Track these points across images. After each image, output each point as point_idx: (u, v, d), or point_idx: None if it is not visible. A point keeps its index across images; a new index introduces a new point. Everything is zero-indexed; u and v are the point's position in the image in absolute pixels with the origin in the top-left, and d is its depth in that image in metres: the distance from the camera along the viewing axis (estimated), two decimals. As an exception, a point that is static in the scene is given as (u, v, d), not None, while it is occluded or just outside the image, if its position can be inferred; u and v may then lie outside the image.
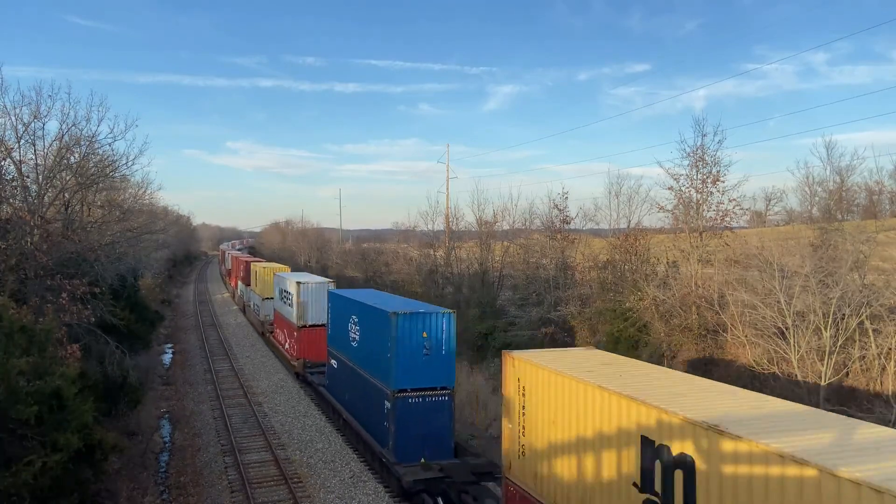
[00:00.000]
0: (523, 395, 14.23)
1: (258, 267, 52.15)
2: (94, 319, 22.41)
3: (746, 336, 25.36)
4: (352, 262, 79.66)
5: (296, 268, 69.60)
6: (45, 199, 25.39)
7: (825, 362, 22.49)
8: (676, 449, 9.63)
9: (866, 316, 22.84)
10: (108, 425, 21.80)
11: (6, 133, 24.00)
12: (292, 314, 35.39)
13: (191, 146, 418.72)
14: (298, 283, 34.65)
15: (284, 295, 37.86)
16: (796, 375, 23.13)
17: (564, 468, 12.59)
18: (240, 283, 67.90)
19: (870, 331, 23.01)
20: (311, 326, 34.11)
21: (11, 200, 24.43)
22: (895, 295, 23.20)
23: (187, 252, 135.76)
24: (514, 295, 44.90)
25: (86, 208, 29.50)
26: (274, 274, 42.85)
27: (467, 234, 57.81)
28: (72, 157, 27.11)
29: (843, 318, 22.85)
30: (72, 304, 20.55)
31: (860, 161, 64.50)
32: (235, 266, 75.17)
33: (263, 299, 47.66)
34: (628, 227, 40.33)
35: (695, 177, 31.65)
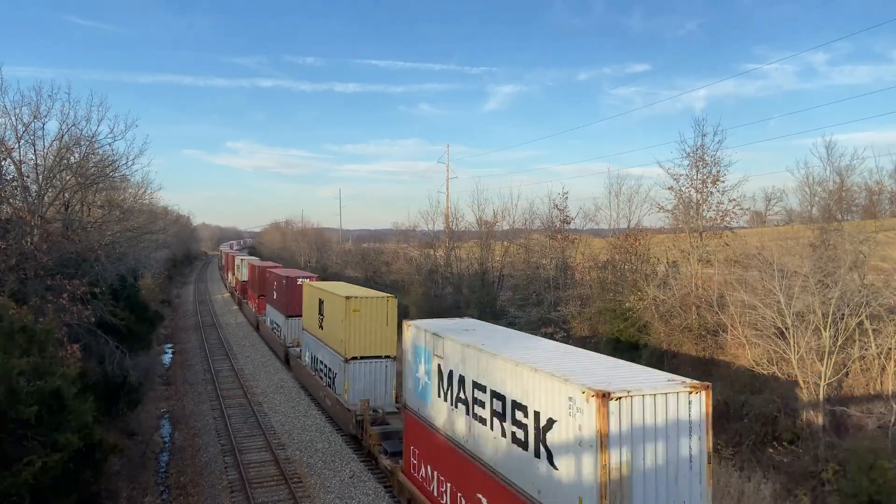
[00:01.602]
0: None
1: (333, 296, 27.01)
2: (94, 319, 22.42)
3: (746, 336, 25.37)
4: (352, 262, 79.70)
5: (293, 267, 69.08)
6: (45, 199, 25.40)
7: (825, 362, 22.50)
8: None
9: (866, 316, 22.86)
10: (108, 425, 21.81)
11: (6, 133, 24.06)
12: None
13: (191, 146, 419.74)
14: (615, 398, 10.29)
15: (483, 410, 13.93)
16: (796, 375, 23.14)
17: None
18: (272, 310, 43.03)
19: (869, 331, 23.02)
20: None
21: (11, 200, 24.44)
22: (895, 295, 23.20)
23: (187, 252, 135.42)
24: (515, 295, 44.92)
25: (86, 208, 29.52)
26: (427, 334, 17.04)
27: (467, 234, 57.85)
28: (72, 157, 27.15)
29: (842, 318, 22.86)
30: (72, 304, 20.56)
31: (860, 161, 64.64)
32: (260, 281, 49.59)
33: (347, 361, 24.83)
34: (628, 227, 40.38)
35: (695, 177, 31.70)
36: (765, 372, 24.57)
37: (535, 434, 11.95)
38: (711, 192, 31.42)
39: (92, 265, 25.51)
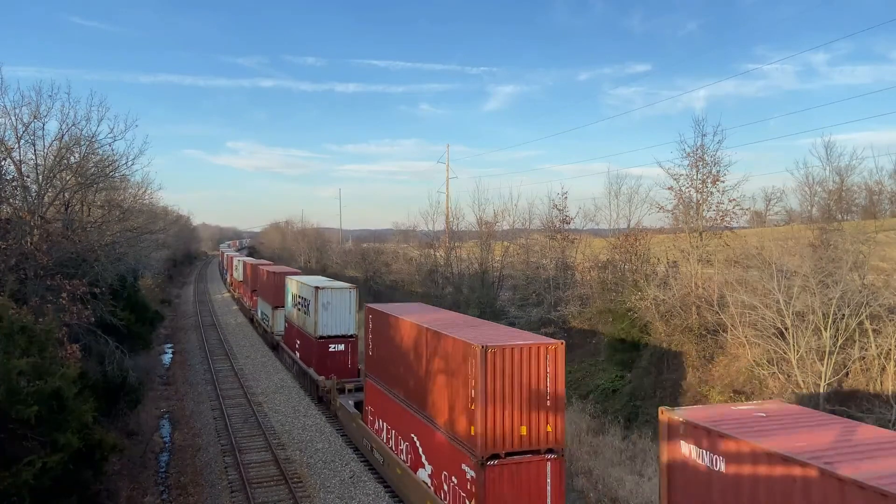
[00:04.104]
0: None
1: None
2: (94, 319, 22.40)
3: (746, 336, 25.35)
4: (352, 262, 79.66)
5: (294, 268, 68.42)
6: (45, 199, 25.39)
7: (825, 362, 22.49)
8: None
9: (866, 316, 22.84)
10: (108, 425, 21.82)
11: (6, 133, 24.04)
12: None
13: (191, 146, 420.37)
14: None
15: None
16: (796, 375, 23.14)
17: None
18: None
19: (869, 331, 23.01)
20: None
21: (11, 200, 24.42)
22: (895, 295, 23.20)
23: (187, 252, 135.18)
24: (515, 295, 44.92)
25: (86, 208, 29.50)
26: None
27: (467, 234, 57.84)
28: (72, 157, 27.14)
29: (842, 319, 22.85)
30: (72, 304, 20.53)
31: (859, 161, 64.65)
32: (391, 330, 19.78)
33: None
34: (628, 227, 40.39)
35: (695, 177, 31.68)
36: (765, 372, 24.57)
37: None
38: (711, 192, 31.40)
39: (92, 265, 25.49)
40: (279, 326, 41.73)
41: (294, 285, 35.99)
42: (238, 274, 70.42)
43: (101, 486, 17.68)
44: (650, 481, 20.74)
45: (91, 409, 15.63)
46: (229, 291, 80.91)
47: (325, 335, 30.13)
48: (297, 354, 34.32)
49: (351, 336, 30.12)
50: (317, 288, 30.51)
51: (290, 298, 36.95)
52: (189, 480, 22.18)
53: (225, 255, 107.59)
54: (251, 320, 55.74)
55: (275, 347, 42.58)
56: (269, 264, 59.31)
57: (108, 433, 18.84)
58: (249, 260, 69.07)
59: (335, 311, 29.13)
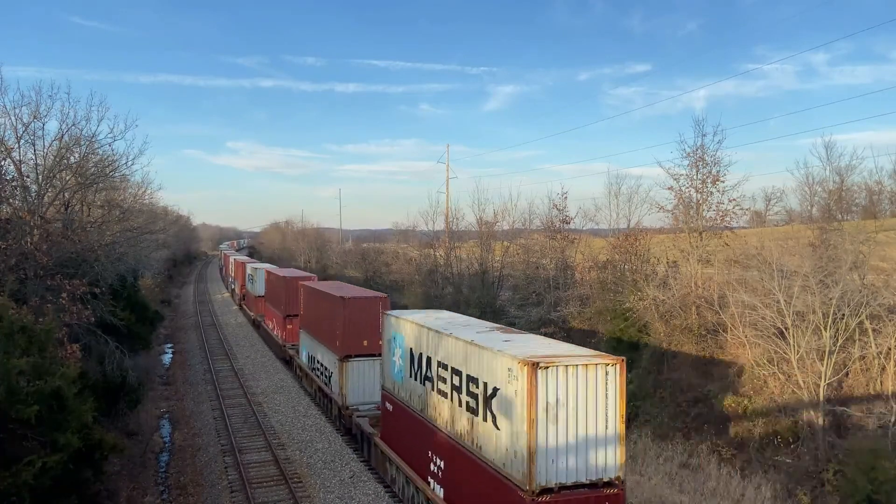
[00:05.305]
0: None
1: None
2: (94, 319, 22.39)
3: (746, 336, 25.35)
4: (352, 261, 79.69)
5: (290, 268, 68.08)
6: (45, 199, 25.38)
7: (825, 362, 22.49)
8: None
9: (866, 316, 22.84)
10: (108, 425, 21.83)
11: (6, 133, 24.05)
12: None
13: (191, 146, 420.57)
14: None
15: None
16: (796, 375, 23.14)
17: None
18: None
19: (869, 331, 23.01)
20: None
21: (11, 200, 24.42)
22: (894, 295, 23.20)
23: (187, 252, 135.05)
24: (514, 295, 44.91)
25: (86, 208, 29.50)
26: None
27: (467, 234, 57.82)
28: (72, 157, 27.14)
29: (842, 318, 22.85)
30: (72, 304, 20.53)
31: (859, 161, 64.51)
32: None
33: None
34: (628, 227, 40.38)
35: (695, 177, 31.70)
36: (765, 372, 24.57)
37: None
38: (711, 192, 31.43)
39: (92, 265, 25.49)
40: (359, 396, 24.57)
41: (428, 337, 17.15)
42: (256, 287, 50.08)
43: (101, 486, 17.68)
44: (650, 481, 20.75)
45: (91, 409, 15.63)
46: (241, 309, 63.49)
47: (555, 485, 12.42)
48: (442, 492, 16.07)
49: (612, 484, 12.77)
50: (535, 364, 12.26)
51: (404, 358, 18.88)
52: (189, 480, 22.18)
53: (230, 260, 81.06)
54: (288, 361, 37.57)
55: (351, 432, 24.60)
56: (311, 278, 38.75)
57: (108, 433, 18.84)
58: (274, 269, 48.84)
59: (578, 417, 12.65)
